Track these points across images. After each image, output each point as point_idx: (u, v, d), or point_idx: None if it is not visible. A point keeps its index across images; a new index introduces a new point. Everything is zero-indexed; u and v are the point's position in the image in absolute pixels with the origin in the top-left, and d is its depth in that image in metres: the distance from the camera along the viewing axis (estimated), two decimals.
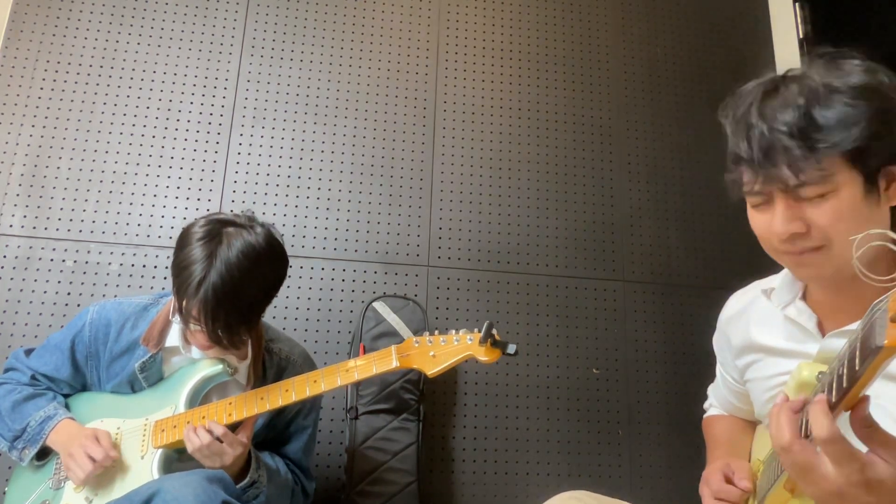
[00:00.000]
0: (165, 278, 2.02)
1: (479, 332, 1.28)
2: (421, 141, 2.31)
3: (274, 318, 2.04)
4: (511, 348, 1.27)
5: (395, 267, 2.19)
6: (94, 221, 2.05)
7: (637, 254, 2.36)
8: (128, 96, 2.17)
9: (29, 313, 1.95)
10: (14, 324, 1.93)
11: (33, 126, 2.09)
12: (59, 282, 1.98)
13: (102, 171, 2.10)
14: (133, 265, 2.03)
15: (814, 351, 0.87)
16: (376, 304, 2.08)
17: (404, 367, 1.31)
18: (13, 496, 1.45)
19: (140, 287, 2.02)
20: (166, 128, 2.17)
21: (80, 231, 2.04)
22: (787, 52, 2.59)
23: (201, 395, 1.42)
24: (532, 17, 2.52)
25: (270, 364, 1.49)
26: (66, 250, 2.01)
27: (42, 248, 2.00)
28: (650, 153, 2.47)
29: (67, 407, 1.47)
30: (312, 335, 2.08)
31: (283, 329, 1.87)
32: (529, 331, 2.21)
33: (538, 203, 2.33)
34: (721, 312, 1.23)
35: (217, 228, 1.30)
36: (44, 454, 1.43)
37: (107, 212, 2.06)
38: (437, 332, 1.34)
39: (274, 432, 1.52)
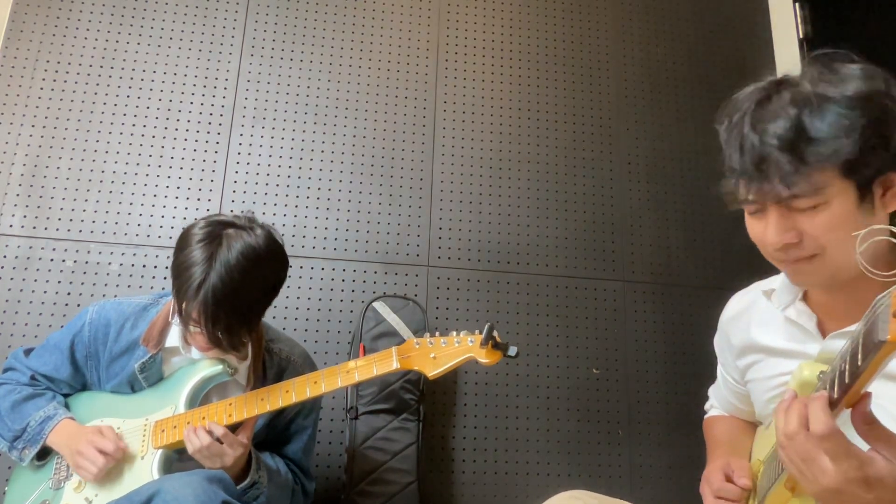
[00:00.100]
0: (165, 278, 2.02)
1: (480, 333, 1.28)
2: (421, 141, 2.31)
3: (274, 318, 2.04)
4: (512, 350, 1.27)
5: (395, 267, 2.19)
6: (94, 221, 2.05)
7: (637, 254, 2.36)
8: (128, 96, 2.17)
9: (29, 313, 1.95)
10: (14, 324, 1.93)
11: (33, 126, 2.09)
12: (59, 282, 1.98)
13: (102, 171, 2.10)
14: (133, 265, 2.03)
15: (814, 352, 0.87)
16: (376, 304, 2.08)
17: (405, 369, 1.31)
18: (13, 496, 1.45)
19: (140, 287, 2.02)
20: (166, 128, 2.17)
21: (80, 231, 2.04)
22: (787, 52, 2.59)
23: (201, 396, 1.42)
24: (532, 17, 2.52)
25: (271, 364, 1.49)
26: (66, 250, 2.01)
27: (42, 248, 2.00)
28: (650, 153, 2.47)
29: (67, 407, 1.47)
30: (312, 335, 2.08)
31: (284, 329, 1.87)
32: (529, 331, 2.21)
33: (538, 203, 2.33)
34: (722, 313, 1.23)
35: (217, 230, 1.29)
36: (44, 454, 1.43)
37: (107, 212, 2.06)
38: (437, 333, 1.34)
39: (274, 433, 1.52)
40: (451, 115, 2.36)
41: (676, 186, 2.45)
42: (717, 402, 1.34)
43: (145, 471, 1.35)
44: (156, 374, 1.44)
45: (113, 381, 1.45)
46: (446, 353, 1.30)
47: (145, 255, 2.05)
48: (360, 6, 2.40)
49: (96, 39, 2.20)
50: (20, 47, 2.14)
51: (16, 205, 2.02)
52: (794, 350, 1.03)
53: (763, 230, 0.92)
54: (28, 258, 1.98)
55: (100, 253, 2.03)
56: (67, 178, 2.07)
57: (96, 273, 2.01)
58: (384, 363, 1.32)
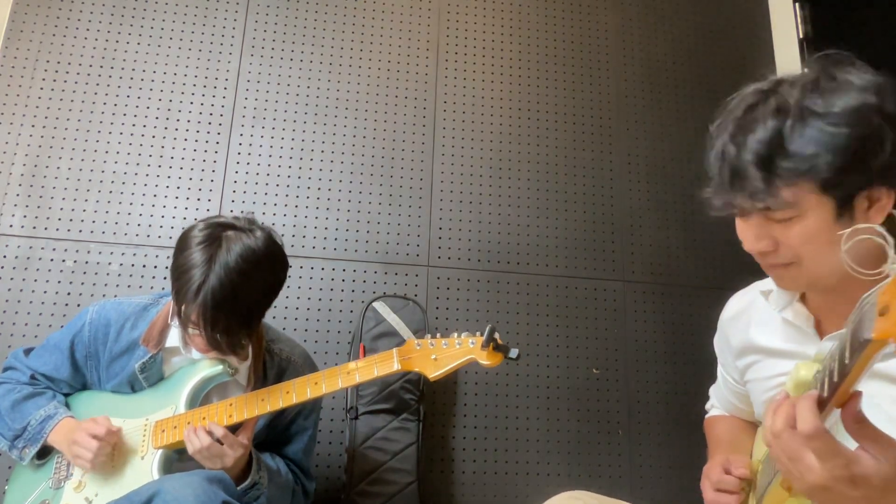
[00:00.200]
0: (165, 278, 2.02)
1: (481, 335, 1.28)
2: (421, 141, 2.31)
3: (274, 318, 2.04)
4: (513, 353, 1.27)
5: (395, 267, 2.19)
6: (94, 221, 2.05)
7: (637, 254, 2.36)
8: (128, 96, 2.17)
9: (29, 313, 1.95)
10: (14, 324, 1.93)
11: (33, 126, 2.09)
12: (59, 282, 1.98)
13: (102, 171, 2.09)
14: (133, 265, 2.03)
15: (812, 352, 0.87)
16: (376, 304, 2.08)
17: (406, 370, 1.31)
18: (13, 496, 1.45)
19: (140, 287, 2.02)
20: (166, 128, 2.17)
21: (80, 231, 2.04)
22: (787, 52, 2.59)
23: (201, 396, 1.42)
24: (532, 17, 2.52)
25: (271, 365, 1.49)
26: (66, 250, 2.01)
27: (42, 248, 2.00)
28: (650, 153, 2.47)
29: (67, 406, 1.47)
30: (312, 335, 2.08)
31: (284, 329, 1.87)
32: (529, 331, 2.21)
33: (538, 203, 2.33)
34: (721, 313, 1.24)
35: (216, 232, 1.29)
36: (44, 453, 1.43)
37: (107, 212, 2.06)
38: (438, 334, 1.34)
39: (274, 433, 1.52)
40: (451, 115, 2.36)
41: (676, 186, 2.45)
42: (718, 402, 1.34)
43: (145, 471, 1.35)
44: (156, 374, 1.44)
45: (113, 380, 1.45)
46: (447, 354, 1.30)
47: (145, 255, 2.05)
48: (360, 6, 2.40)
49: (96, 39, 2.20)
50: (20, 47, 2.14)
51: (16, 205, 2.02)
52: (793, 351, 1.03)
53: (744, 234, 0.93)
54: (28, 258, 1.98)
55: (100, 253, 2.03)
56: (67, 178, 2.07)
57: (96, 273, 2.01)
58: (385, 364, 1.32)
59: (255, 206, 2.14)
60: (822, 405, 0.72)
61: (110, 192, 2.08)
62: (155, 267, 2.04)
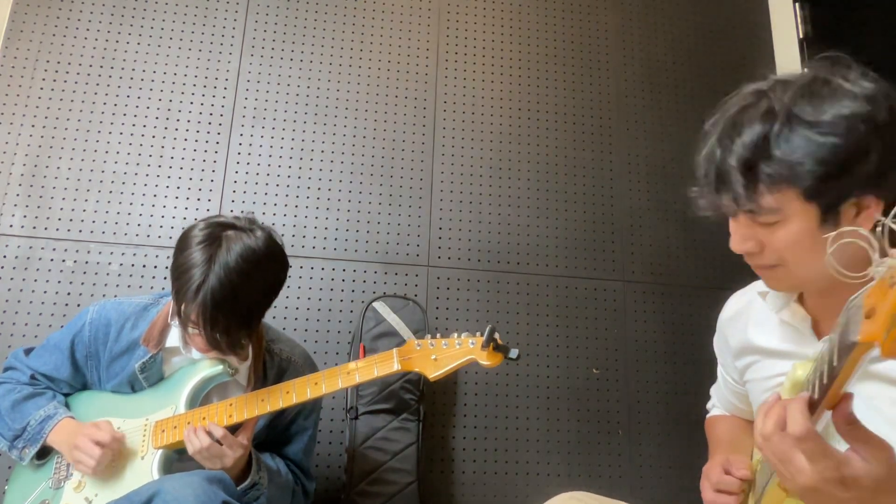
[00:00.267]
0: (165, 278, 2.02)
1: (481, 335, 1.28)
2: (421, 141, 2.31)
3: (274, 318, 2.04)
4: (513, 353, 1.27)
5: (395, 267, 2.19)
6: (94, 221, 2.05)
7: (637, 254, 2.36)
8: (128, 96, 2.17)
9: (29, 313, 1.95)
10: (14, 324, 1.93)
11: (33, 126, 2.09)
12: (59, 282, 1.98)
13: (102, 171, 2.10)
14: (133, 265, 2.03)
15: (811, 353, 0.87)
16: (376, 304, 2.08)
17: (406, 370, 1.31)
18: (13, 496, 1.45)
19: (140, 287, 2.02)
20: (166, 128, 2.17)
21: (80, 231, 2.04)
22: (787, 52, 2.59)
23: (202, 396, 1.42)
24: (532, 17, 2.52)
25: (271, 365, 1.49)
26: (66, 250, 2.01)
27: (42, 248, 2.00)
28: (650, 153, 2.47)
29: (67, 406, 1.47)
30: (312, 335, 2.08)
31: (284, 329, 1.87)
32: (529, 331, 2.21)
33: (538, 203, 2.34)
34: (721, 313, 1.24)
35: (217, 232, 1.29)
36: (44, 453, 1.43)
37: (107, 212, 2.06)
38: (438, 334, 1.34)
39: (274, 433, 1.52)
40: (451, 115, 2.36)
41: (676, 186, 2.45)
42: (719, 402, 1.34)
43: (145, 471, 1.35)
44: (156, 374, 1.44)
45: (113, 380, 1.45)
46: (447, 354, 1.30)
47: (145, 255, 2.05)
48: (360, 6, 2.40)
49: (96, 39, 2.20)
50: (20, 47, 2.14)
51: (16, 205, 2.02)
52: (791, 351, 1.03)
53: (733, 234, 0.94)
54: (28, 258, 1.98)
55: (100, 253, 2.03)
56: (67, 178, 2.07)
57: (96, 273, 2.01)
58: (385, 364, 1.31)
59: (255, 206, 2.14)
60: (813, 407, 0.73)
61: (110, 192, 2.08)
62: (155, 267, 2.04)
